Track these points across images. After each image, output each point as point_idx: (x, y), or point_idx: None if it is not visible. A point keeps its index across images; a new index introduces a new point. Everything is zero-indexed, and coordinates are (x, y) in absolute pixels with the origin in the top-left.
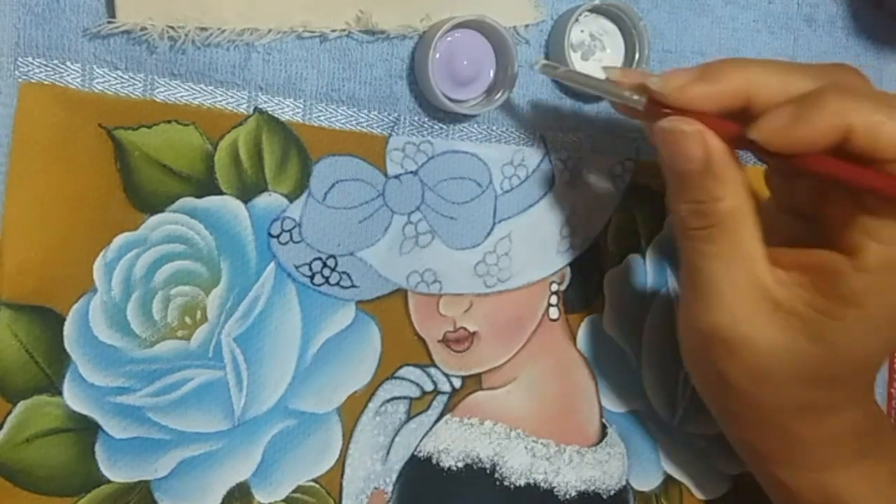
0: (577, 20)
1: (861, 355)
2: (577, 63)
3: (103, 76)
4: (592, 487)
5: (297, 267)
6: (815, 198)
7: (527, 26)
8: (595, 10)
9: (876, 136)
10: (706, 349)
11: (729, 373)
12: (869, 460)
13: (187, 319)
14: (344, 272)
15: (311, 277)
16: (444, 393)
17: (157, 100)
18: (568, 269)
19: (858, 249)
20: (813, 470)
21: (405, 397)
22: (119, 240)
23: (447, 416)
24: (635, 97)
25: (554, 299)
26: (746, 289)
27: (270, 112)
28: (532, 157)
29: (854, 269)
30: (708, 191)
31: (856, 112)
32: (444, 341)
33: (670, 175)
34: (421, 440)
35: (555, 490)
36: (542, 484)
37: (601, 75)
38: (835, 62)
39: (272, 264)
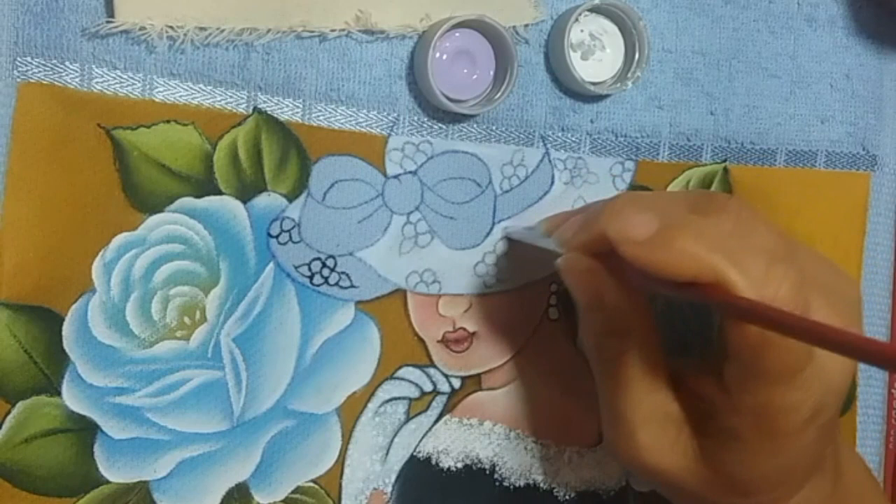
0: (577, 20)
1: (756, 477)
2: (577, 63)
3: (102, 76)
4: (592, 488)
5: (296, 267)
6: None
7: (527, 26)
8: (595, 9)
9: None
10: (627, 467)
11: (651, 482)
12: None
13: (186, 320)
14: (343, 272)
15: (311, 277)
16: (443, 393)
17: (156, 99)
18: None
19: (734, 391)
20: None
21: (404, 398)
22: (118, 240)
23: (446, 417)
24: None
25: (554, 299)
26: (647, 420)
27: (269, 112)
28: (532, 157)
29: (728, 410)
30: (601, 324)
31: (706, 267)
32: (444, 341)
33: (580, 311)
34: (420, 441)
35: (554, 491)
36: (541, 484)
37: (599, 76)
38: (705, 192)
39: (271, 264)
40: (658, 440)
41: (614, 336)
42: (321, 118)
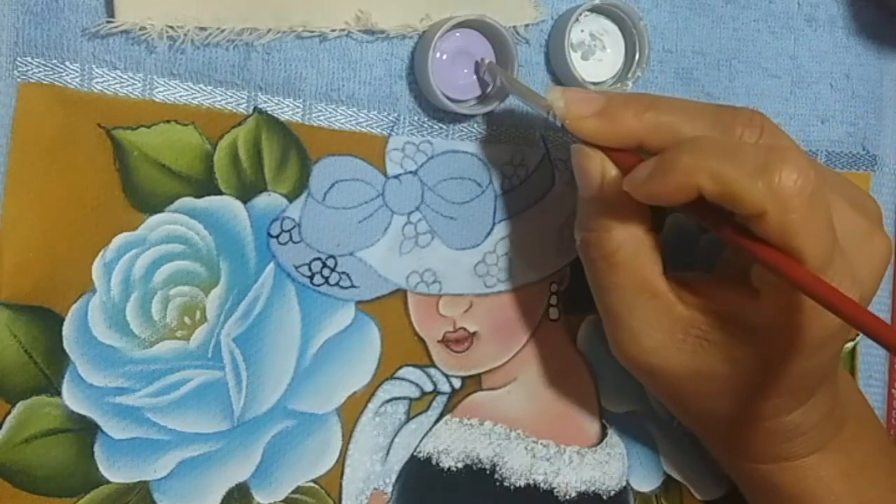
0: (577, 20)
1: (777, 371)
2: (577, 63)
3: (102, 76)
4: (592, 488)
5: (296, 267)
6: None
7: (527, 26)
8: (595, 9)
9: (724, 197)
10: (630, 370)
11: (657, 391)
12: (817, 454)
13: (186, 320)
14: (343, 272)
15: (311, 277)
16: (443, 393)
17: (157, 99)
18: (568, 269)
19: (759, 292)
20: (757, 462)
21: (405, 398)
22: (118, 240)
23: (447, 417)
24: (557, 117)
25: (554, 299)
26: (650, 321)
27: (270, 112)
28: (532, 157)
29: (754, 311)
30: (600, 220)
31: (703, 173)
32: (444, 341)
33: (578, 201)
34: (421, 441)
35: (555, 491)
36: (542, 485)
37: (599, 76)
38: (734, 106)
39: (271, 264)
40: (663, 344)
41: (609, 232)
42: (321, 118)
